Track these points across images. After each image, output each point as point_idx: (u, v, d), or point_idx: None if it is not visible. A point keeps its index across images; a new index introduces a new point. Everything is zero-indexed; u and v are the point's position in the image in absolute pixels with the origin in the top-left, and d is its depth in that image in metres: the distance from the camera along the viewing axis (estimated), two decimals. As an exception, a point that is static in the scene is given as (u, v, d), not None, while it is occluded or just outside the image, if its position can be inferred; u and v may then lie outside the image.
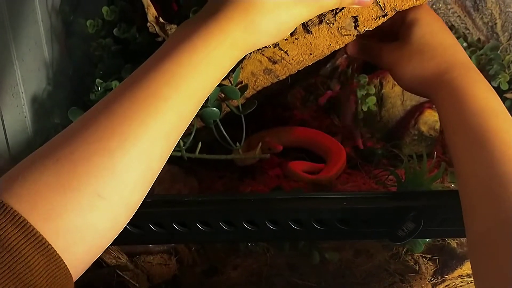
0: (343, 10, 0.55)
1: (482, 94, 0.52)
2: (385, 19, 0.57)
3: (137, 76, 0.43)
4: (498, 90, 0.81)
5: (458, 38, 0.86)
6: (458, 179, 0.49)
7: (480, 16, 0.88)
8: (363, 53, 0.63)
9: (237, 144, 0.66)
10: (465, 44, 0.85)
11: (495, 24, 0.88)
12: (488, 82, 0.54)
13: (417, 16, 0.59)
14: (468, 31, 0.89)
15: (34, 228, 0.36)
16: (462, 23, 0.89)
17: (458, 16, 0.89)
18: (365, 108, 0.82)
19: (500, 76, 0.79)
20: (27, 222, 0.36)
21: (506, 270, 0.40)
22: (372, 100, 0.81)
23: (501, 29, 0.88)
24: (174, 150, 0.67)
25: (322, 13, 0.56)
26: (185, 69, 0.43)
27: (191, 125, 0.64)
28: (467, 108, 0.51)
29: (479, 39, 0.88)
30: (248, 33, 0.46)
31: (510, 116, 0.50)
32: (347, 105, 0.73)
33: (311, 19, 0.56)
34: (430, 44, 0.57)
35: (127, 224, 0.50)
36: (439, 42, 0.57)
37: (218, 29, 0.45)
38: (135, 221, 0.53)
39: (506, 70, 0.80)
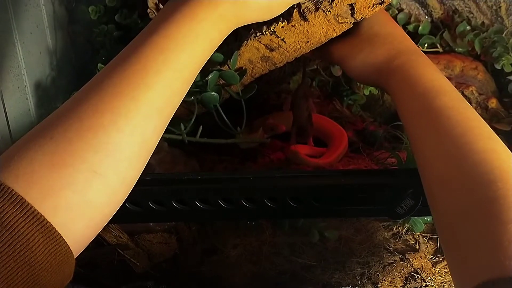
0: None
1: (430, 75, 0.51)
2: (382, 6, 0.56)
3: (127, 52, 0.43)
4: (501, 72, 0.80)
5: (461, 21, 0.85)
6: (418, 166, 0.48)
7: (484, -1, 0.88)
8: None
9: (238, 128, 0.66)
10: (468, 28, 0.84)
11: (500, 7, 0.87)
12: (436, 66, 0.54)
13: None
14: (472, 15, 0.88)
15: (32, 207, 0.36)
16: (466, 6, 0.88)
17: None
18: (366, 92, 0.82)
19: (503, 58, 0.79)
20: (25, 200, 0.36)
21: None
22: (374, 83, 0.81)
23: (506, 13, 0.87)
24: (175, 134, 0.69)
25: (318, 0, 0.55)
26: (174, 41, 0.43)
27: (191, 110, 0.65)
28: (415, 90, 0.51)
29: (483, 23, 0.87)
30: (238, 6, 0.46)
31: (459, 94, 0.49)
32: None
33: (307, 6, 0.56)
34: (380, 34, 0.58)
35: (126, 202, 0.50)
36: (388, 31, 0.59)
37: (207, 0, 0.45)
38: (134, 199, 0.53)
39: (510, 53, 0.80)
